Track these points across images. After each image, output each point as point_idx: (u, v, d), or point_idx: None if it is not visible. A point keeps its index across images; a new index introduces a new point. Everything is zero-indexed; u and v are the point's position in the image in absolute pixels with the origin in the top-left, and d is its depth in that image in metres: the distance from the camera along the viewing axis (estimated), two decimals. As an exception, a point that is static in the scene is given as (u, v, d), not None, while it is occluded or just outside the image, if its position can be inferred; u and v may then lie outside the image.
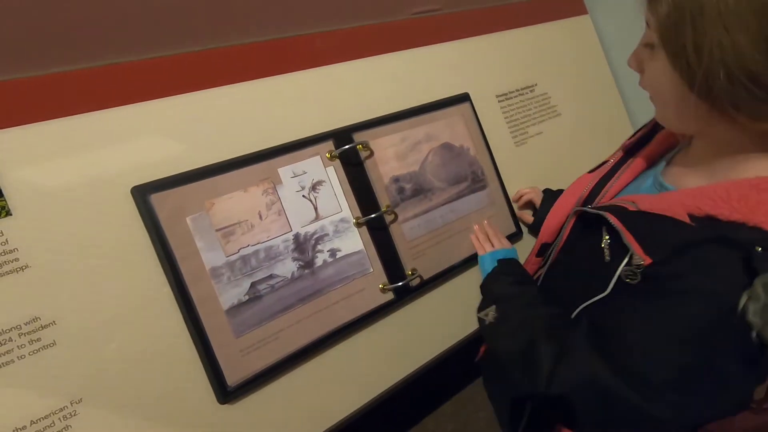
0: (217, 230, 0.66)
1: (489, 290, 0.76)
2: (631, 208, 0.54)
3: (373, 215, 0.77)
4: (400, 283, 0.78)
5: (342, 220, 0.76)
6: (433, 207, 0.85)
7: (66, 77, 0.62)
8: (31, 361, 0.55)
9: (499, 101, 1.00)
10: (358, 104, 0.83)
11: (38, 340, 0.56)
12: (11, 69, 0.59)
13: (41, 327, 0.56)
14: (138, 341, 0.61)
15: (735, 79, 0.45)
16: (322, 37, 0.82)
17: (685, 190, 0.53)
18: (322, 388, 0.73)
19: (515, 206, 0.96)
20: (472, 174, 0.90)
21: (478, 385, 1.44)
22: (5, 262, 0.55)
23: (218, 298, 0.65)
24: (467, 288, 0.88)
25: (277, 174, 0.72)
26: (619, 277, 0.52)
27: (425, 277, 0.82)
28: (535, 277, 0.78)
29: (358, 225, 0.77)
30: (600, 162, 0.76)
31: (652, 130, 0.71)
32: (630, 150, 0.72)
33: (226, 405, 0.65)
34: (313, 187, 0.74)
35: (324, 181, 0.75)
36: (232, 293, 0.66)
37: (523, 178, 0.98)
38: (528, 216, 0.94)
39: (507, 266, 0.78)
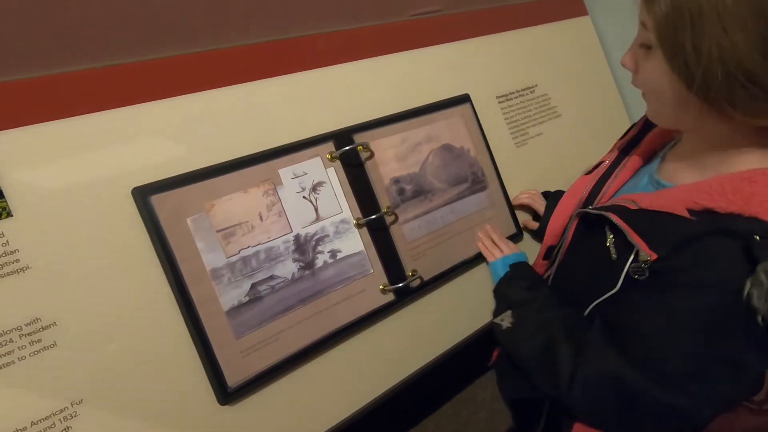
0: (217, 231, 0.66)
1: (503, 295, 0.77)
2: (632, 206, 0.55)
3: (373, 216, 0.78)
4: (401, 284, 0.78)
5: (342, 221, 0.76)
6: (433, 208, 0.85)
7: (66, 78, 0.62)
8: (31, 362, 0.55)
9: (499, 102, 1.00)
10: (358, 105, 0.83)
11: (39, 341, 0.56)
12: (12, 70, 0.59)
13: (42, 328, 0.56)
14: (138, 342, 0.61)
15: (733, 79, 0.46)
16: (322, 38, 0.82)
17: (682, 186, 0.55)
18: (322, 389, 0.73)
19: (521, 216, 0.96)
20: (472, 175, 0.90)
21: (478, 386, 1.44)
22: (6, 263, 0.55)
23: (218, 299, 0.65)
24: (468, 289, 0.88)
25: (278, 175, 0.72)
26: (627, 273, 0.54)
27: (426, 278, 0.82)
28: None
29: (359, 226, 0.77)
30: (595, 163, 0.77)
31: (643, 128, 0.72)
32: (624, 149, 0.73)
33: (226, 406, 0.65)
34: (314, 188, 0.74)
35: (324, 182, 0.75)
36: (233, 294, 0.66)
37: (524, 179, 0.98)
38: (532, 223, 0.93)
39: (519, 270, 0.79)
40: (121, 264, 0.61)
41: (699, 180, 0.54)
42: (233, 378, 0.65)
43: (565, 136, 1.08)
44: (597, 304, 0.60)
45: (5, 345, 0.54)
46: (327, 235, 0.74)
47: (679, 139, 0.66)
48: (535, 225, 0.92)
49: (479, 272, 0.90)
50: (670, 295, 0.51)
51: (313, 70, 0.80)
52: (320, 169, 0.75)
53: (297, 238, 0.72)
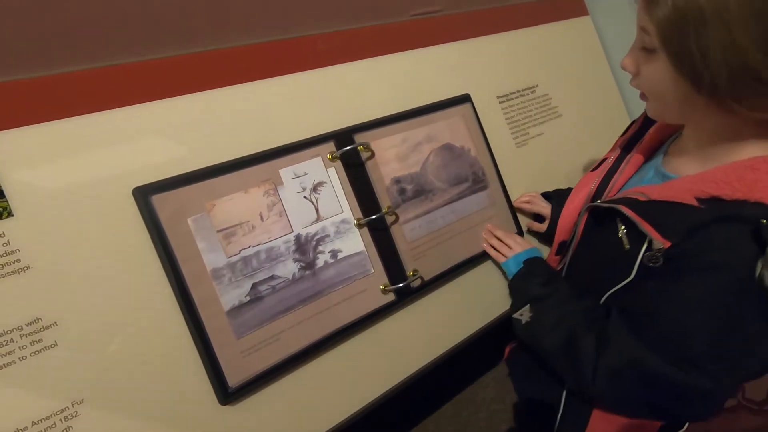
0: (218, 231, 0.66)
1: (520, 291, 0.78)
2: (642, 198, 0.58)
3: (374, 216, 0.77)
4: (401, 284, 0.78)
5: (343, 221, 0.76)
6: (434, 208, 0.85)
7: (67, 78, 0.62)
8: (32, 362, 0.55)
9: (500, 102, 1.00)
10: (359, 105, 0.83)
11: (39, 341, 0.56)
12: (12, 70, 0.59)
13: (42, 328, 0.56)
14: (139, 342, 0.61)
15: (739, 77, 0.48)
16: (323, 39, 0.82)
17: (688, 176, 0.57)
18: (323, 390, 0.73)
19: (522, 220, 0.96)
20: (473, 175, 0.90)
21: (478, 386, 1.44)
22: (7, 263, 0.55)
23: (219, 299, 0.65)
24: (469, 289, 0.88)
25: (278, 175, 0.72)
26: (642, 262, 0.57)
27: (426, 278, 0.82)
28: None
29: (359, 226, 0.77)
30: (600, 160, 0.80)
31: (644, 124, 0.75)
32: (627, 145, 0.76)
33: (227, 406, 0.65)
34: (314, 188, 0.74)
35: (325, 182, 0.75)
36: (233, 294, 0.66)
37: (524, 179, 0.98)
38: (537, 225, 0.93)
39: (533, 266, 0.80)
40: (122, 264, 0.61)
41: (702, 170, 0.56)
42: (234, 378, 0.65)
43: (566, 136, 1.08)
44: (612, 294, 0.63)
45: (6, 345, 0.54)
46: (328, 235, 0.74)
47: (680, 132, 0.68)
48: (540, 227, 0.92)
49: (480, 272, 0.90)
50: (685, 280, 0.54)
51: (313, 70, 0.80)
52: (321, 169, 0.75)
53: (298, 238, 0.72)
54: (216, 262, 0.65)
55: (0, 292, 0.55)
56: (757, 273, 0.48)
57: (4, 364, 0.54)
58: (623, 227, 0.60)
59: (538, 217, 0.95)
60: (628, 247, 0.59)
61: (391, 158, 0.82)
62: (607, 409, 0.68)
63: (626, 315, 0.60)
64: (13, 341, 0.55)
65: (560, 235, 0.82)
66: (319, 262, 0.73)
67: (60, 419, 0.56)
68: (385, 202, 0.80)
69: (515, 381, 0.89)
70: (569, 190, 0.94)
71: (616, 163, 0.75)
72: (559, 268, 0.81)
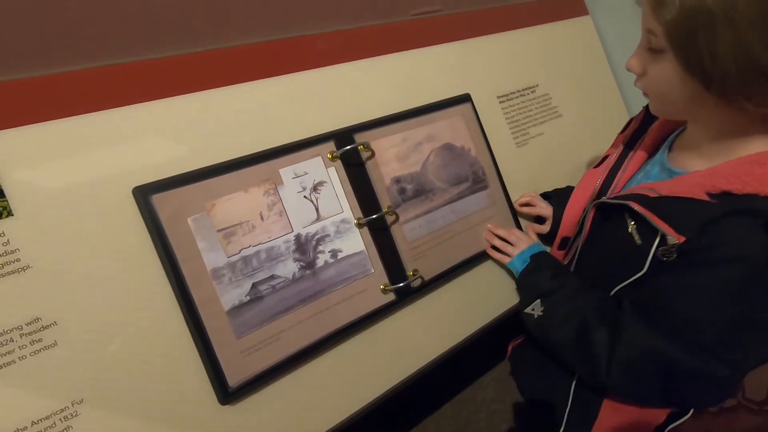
0: (218, 231, 0.66)
1: (529, 286, 0.78)
2: (652, 194, 0.59)
3: (374, 216, 0.77)
4: (402, 284, 0.78)
5: (343, 221, 0.76)
6: (434, 208, 0.85)
7: (67, 78, 0.62)
8: (32, 361, 0.55)
9: (500, 102, 1.00)
10: (359, 105, 0.83)
11: (39, 340, 0.56)
12: (12, 69, 0.59)
13: (42, 327, 0.56)
14: (139, 342, 0.61)
15: (749, 75, 0.49)
16: (323, 38, 0.82)
17: (698, 172, 0.58)
18: (323, 389, 0.73)
19: (523, 221, 0.96)
20: (473, 174, 0.90)
21: (478, 386, 1.44)
22: (7, 262, 0.55)
23: (219, 298, 0.65)
24: (469, 289, 0.88)
25: (278, 175, 0.72)
26: (655, 256, 0.58)
27: (426, 278, 0.82)
28: None
29: (360, 226, 0.77)
30: (602, 157, 0.80)
31: (644, 120, 0.76)
32: (629, 142, 0.77)
33: (227, 406, 0.65)
34: (315, 188, 0.74)
35: (325, 182, 0.75)
36: (234, 294, 0.66)
37: (524, 179, 0.98)
38: (538, 227, 0.93)
39: (540, 260, 0.81)
40: (122, 263, 0.61)
41: (709, 166, 0.58)
42: (234, 378, 0.65)
43: (566, 136, 1.08)
44: (623, 287, 0.64)
45: (6, 344, 0.54)
46: (328, 235, 0.74)
47: (683, 128, 0.69)
48: (541, 228, 0.92)
49: (480, 272, 0.90)
50: (700, 273, 0.55)
51: (313, 69, 0.80)
52: (321, 169, 0.75)
53: (298, 237, 0.72)
54: (216, 262, 0.65)
55: (0, 291, 0.55)
56: None
57: (3, 364, 0.54)
58: (633, 222, 0.61)
59: (537, 218, 0.95)
60: (639, 242, 0.60)
61: (392, 158, 0.82)
62: (622, 398, 0.69)
63: (640, 307, 0.61)
64: (13, 341, 0.54)
65: (563, 231, 0.83)
66: (319, 262, 0.73)
67: (60, 419, 0.56)
68: (385, 202, 0.80)
69: (519, 378, 0.89)
70: (568, 188, 0.95)
71: (620, 160, 0.76)
72: (566, 263, 0.82)
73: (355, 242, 0.76)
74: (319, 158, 0.75)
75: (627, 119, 0.83)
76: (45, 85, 0.61)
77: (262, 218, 0.69)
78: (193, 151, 0.68)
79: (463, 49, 0.98)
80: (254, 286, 0.67)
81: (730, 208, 0.53)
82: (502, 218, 0.92)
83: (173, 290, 0.63)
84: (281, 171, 0.72)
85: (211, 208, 0.66)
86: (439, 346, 0.84)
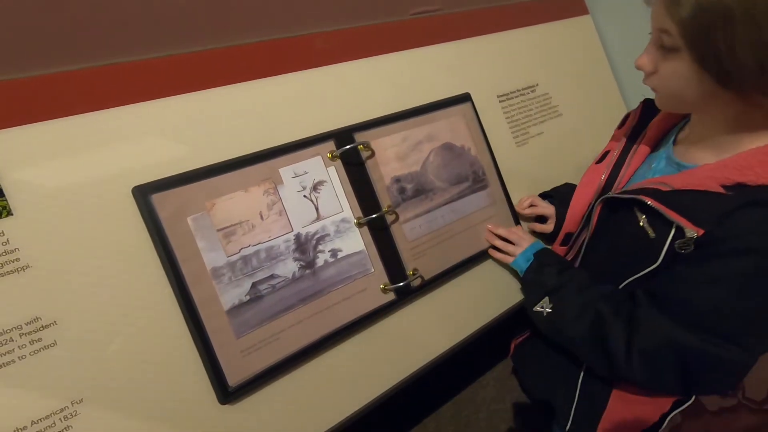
0: (218, 230, 0.66)
1: (536, 283, 0.78)
2: (665, 188, 0.60)
3: (374, 215, 0.77)
4: (401, 284, 0.78)
5: (343, 221, 0.76)
6: (434, 207, 0.85)
7: (67, 77, 0.62)
8: (31, 361, 0.55)
9: (500, 101, 1.00)
10: (359, 104, 0.82)
11: (39, 340, 0.56)
12: (12, 68, 0.59)
13: (42, 327, 0.56)
14: (139, 341, 0.61)
15: (767, 72, 0.49)
16: (322, 37, 0.82)
17: (709, 165, 0.59)
18: (322, 389, 0.72)
19: (524, 222, 0.96)
20: (473, 174, 0.90)
21: (478, 386, 1.45)
22: (6, 262, 0.55)
23: (219, 298, 0.65)
24: (469, 288, 0.88)
25: (278, 174, 0.72)
26: (670, 248, 0.59)
27: (426, 277, 0.82)
28: None
29: (359, 225, 0.77)
30: (602, 152, 0.81)
31: (643, 115, 0.76)
32: (631, 136, 0.77)
33: (226, 405, 0.65)
34: (315, 188, 0.74)
35: (325, 182, 0.75)
36: (233, 293, 0.66)
37: (524, 178, 0.98)
38: (542, 227, 0.93)
39: (544, 256, 0.81)
40: (122, 263, 0.61)
41: (718, 158, 0.59)
42: (234, 377, 0.65)
43: (566, 135, 1.08)
44: (633, 280, 0.65)
45: (5, 344, 0.54)
46: (327, 234, 0.74)
47: (686, 121, 0.69)
48: (544, 228, 0.92)
49: (480, 271, 0.90)
50: (718, 263, 0.56)
51: (313, 69, 0.80)
52: (321, 168, 0.75)
53: (297, 237, 0.71)
54: (216, 261, 0.65)
55: (-1, 291, 0.55)
56: None
57: (3, 364, 0.54)
58: (644, 216, 0.62)
59: (538, 218, 0.95)
60: (653, 235, 0.61)
61: (391, 157, 0.82)
62: (631, 388, 0.70)
63: (655, 298, 0.62)
64: (13, 340, 0.54)
65: (567, 227, 0.83)
66: (319, 262, 0.73)
67: (60, 418, 0.56)
68: (385, 202, 0.80)
69: (522, 375, 0.90)
70: (567, 186, 0.95)
71: (623, 155, 0.76)
72: (569, 259, 0.82)
73: (355, 242, 0.76)
74: (319, 158, 0.75)
75: (627, 118, 0.83)
76: (45, 84, 0.60)
77: (261, 218, 0.69)
78: (193, 150, 0.68)
79: (463, 48, 0.98)
80: (254, 285, 0.67)
81: (745, 200, 0.54)
82: (502, 218, 0.92)
83: (173, 290, 0.63)
84: (281, 170, 0.72)
85: (210, 207, 0.66)
86: (439, 345, 0.84)
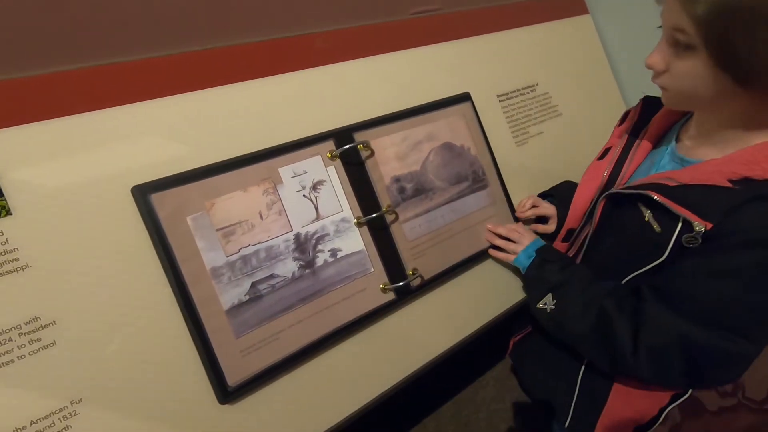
0: (217, 230, 0.66)
1: (539, 280, 0.78)
2: (671, 183, 0.60)
3: (373, 215, 0.77)
4: (401, 283, 0.78)
5: (343, 220, 0.76)
6: (433, 207, 0.85)
7: (66, 77, 0.62)
8: (31, 361, 0.55)
9: (500, 101, 1.00)
10: (358, 104, 0.82)
11: (38, 339, 0.56)
12: (11, 68, 0.59)
13: (41, 327, 0.56)
14: (138, 341, 0.61)
15: None
16: (322, 37, 0.82)
17: (716, 159, 0.59)
18: (322, 389, 0.72)
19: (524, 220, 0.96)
20: (473, 174, 0.90)
21: (478, 385, 1.45)
22: (5, 261, 0.55)
23: (219, 298, 0.65)
24: (469, 288, 0.88)
25: (278, 174, 0.72)
26: (676, 243, 0.59)
27: (426, 277, 0.82)
28: None
29: (359, 225, 0.77)
30: (603, 149, 0.81)
31: (644, 112, 0.77)
32: (632, 133, 0.77)
33: (226, 405, 0.65)
34: (314, 187, 0.74)
35: (325, 181, 0.75)
36: (233, 293, 0.66)
37: (524, 178, 0.98)
38: (543, 227, 0.93)
39: (546, 253, 0.81)
40: (121, 263, 0.61)
41: (723, 154, 0.59)
42: (233, 377, 0.64)
43: (566, 134, 1.08)
44: (638, 274, 0.65)
45: (4, 344, 0.54)
46: (327, 234, 0.74)
47: (688, 117, 0.70)
48: (546, 228, 0.92)
49: (480, 271, 0.90)
50: (725, 256, 0.56)
51: (313, 68, 0.80)
52: (320, 168, 0.75)
53: (297, 236, 0.71)
54: (215, 261, 0.65)
55: (-2, 291, 0.55)
56: None
57: (2, 363, 0.54)
58: (649, 211, 0.62)
59: (539, 218, 0.95)
60: (659, 230, 0.61)
61: (391, 157, 0.82)
62: (632, 383, 0.71)
63: (661, 293, 0.62)
64: (12, 340, 0.54)
65: (570, 223, 0.83)
66: (319, 261, 0.73)
67: (59, 418, 0.55)
68: (384, 201, 0.80)
69: (521, 373, 0.90)
70: (565, 184, 0.95)
71: (624, 151, 0.77)
72: (570, 255, 0.82)
73: (354, 241, 0.76)
74: (319, 157, 0.75)
75: (626, 117, 0.83)
76: (44, 84, 0.60)
77: (261, 217, 0.69)
78: (193, 150, 0.68)
79: (463, 47, 0.98)
80: (253, 285, 0.67)
81: (752, 194, 0.54)
82: (502, 217, 0.92)
83: (172, 289, 0.63)
84: (280, 170, 0.72)
85: (210, 207, 0.66)
86: (439, 345, 0.84)
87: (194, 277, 0.64)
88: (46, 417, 0.55)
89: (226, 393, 0.64)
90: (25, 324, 0.55)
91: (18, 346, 0.55)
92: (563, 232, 0.86)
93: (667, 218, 0.60)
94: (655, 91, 0.80)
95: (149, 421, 0.60)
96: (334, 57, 0.83)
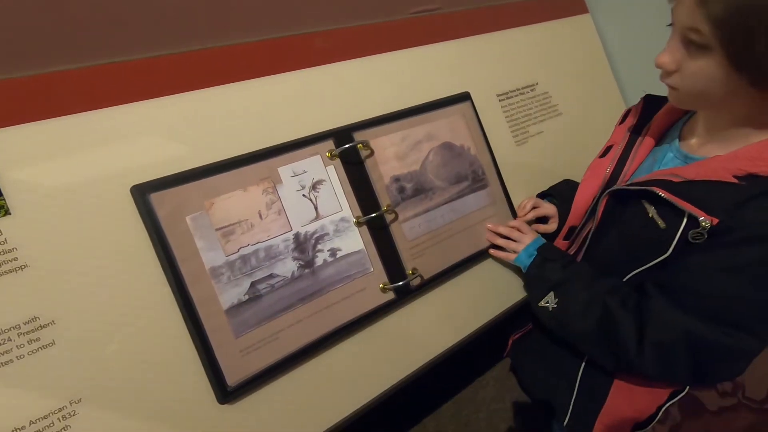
0: (216, 230, 0.66)
1: (540, 279, 0.78)
2: (676, 179, 0.60)
3: (373, 215, 0.77)
4: (401, 283, 0.78)
5: (342, 220, 0.76)
6: (433, 206, 0.85)
7: (65, 76, 0.62)
8: (30, 360, 0.55)
9: (499, 100, 1.00)
10: (358, 103, 0.82)
11: (37, 339, 0.56)
12: (10, 68, 0.59)
13: (40, 327, 0.56)
14: (137, 341, 0.61)
15: None
16: (322, 36, 0.82)
17: (719, 156, 0.59)
18: (322, 388, 0.72)
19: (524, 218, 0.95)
20: (472, 173, 0.90)
21: (478, 385, 1.45)
22: (4, 261, 0.55)
23: (218, 297, 0.65)
24: (468, 287, 0.88)
25: (277, 173, 0.72)
26: (681, 239, 0.59)
27: (426, 276, 0.82)
28: None
29: (359, 224, 0.77)
30: (604, 147, 0.81)
31: (645, 111, 0.77)
32: (635, 131, 0.77)
33: (225, 405, 0.65)
34: (314, 187, 0.74)
35: (324, 181, 0.75)
36: (232, 293, 0.66)
37: (524, 178, 0.98)
38: (544, 227, 0.93)
39: (547, 252, 0.81)
40: (120, 262, 0.61)
41: (728, 151, 0.59)
42: (233, 377, 0.64)
43: (566, 134, 1.08)
44: (641, 271, 0.65)
45: (3, 344, 0.54)
46: (327, 234, 0.74)
47: (691, 115, 0.70)
48: (547, 228, 0.91)
49: (480, 271, 0.90)
50: (730, 252, 0.56)
51: (312, 68, 0.80)
52: (320, 168, 0.75)
53: (297, 236, 0.71)
54: (215, 261, 0.65)
55: (-3, 290, 0.55)
56: None
57: (1, 363, 0.54)
58: (653, 207, 0.62)
59: (539, 218, 0.95)
60: (664, 226, 0.61)
61: (391, 156, 0.82)
62: (632, 380, 0.71)
63: (665, 289, 0.62)
64: (11, 340, 0.54)
65: (572, 220, 0.83)
66: (318, 261, 0.73)
67: (58, 418, 0.55)
68: (384, 201, 0.80)
69: (520, 372, 0.90)
70: (565, 183, 0.95)
71: (627, 149, 0.77)
72: (571, 252, 0.82)
73: (354, 241, 0.76)
74: (318, 157, 0.75)
75: (626, 116, 0.83)
76: (42, 83, 0.60)
77: (260, 217, 0.69)
78: (192, 149, 0.68)
79: (463, 47, 0.97)
80: (253, 285, 0.67)
81: (758, 190, 0.54)
82: (501, 217, 0.92)
83: (172, 289, 0.63)
84: (280, 170, 0.72)
85: (209, 206, 0.66)
86: (438, 345, 0.84)
87: (193, 277, 0.63)
88: (46, 417, 0.55)
89: (226, 393, 0.64)
90: (24, 324, 0.55)
91: (17, 346, 0.54)
92: (565, 229, 0.85)
93: (672, 214, 0.60)
94: (656, 91, 0.81)
95: (149, 421, 0.60)
96: (334, 56, 0.82)
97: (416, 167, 0.84)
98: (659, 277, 0.63)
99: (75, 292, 0.58)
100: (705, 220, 0.56)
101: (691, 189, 0.59)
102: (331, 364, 0.73)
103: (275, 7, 0.79)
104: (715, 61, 0.53)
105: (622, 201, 0.69)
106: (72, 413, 0.56)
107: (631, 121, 0.78)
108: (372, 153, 0.80)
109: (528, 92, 1.04)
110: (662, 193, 0.60)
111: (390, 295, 0.78)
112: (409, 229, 0.82)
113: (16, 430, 0.53)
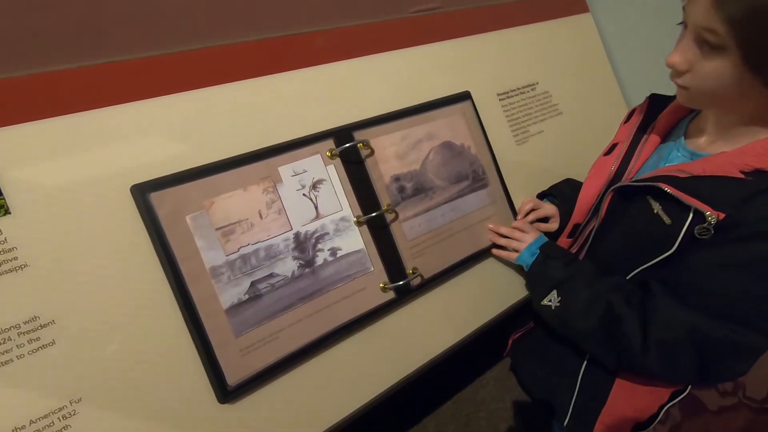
0: (217, 229, 0.66)
1: (543, 277, 0.77)
2: (683, 175, 0.60)
3: (373, 214, 0.77)
4: (401, 283, 0.78)
5: (342, 219, 0.76)
6: (433, 206, 0.85)
7: (65, 75, 0.62)
8: (30, 360, 0.55)
9: (500, 100, 1.00)
10: (358, 103, 0.82)
11: (37, 339, 0.55)
12: (10, 67, 0.59)
13: (40, 326, 0.56)
14: (138, 340, 0.61)
15: None
16: (322, 36, 0.82)
17: (727, 152, 0.59)
18: (322, 388, 0.72)
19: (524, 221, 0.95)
20: (473, 173, 0.90)
21: (478, 385, 1.45)
22: (4, 261, 0.55)
23: (218, 297, 0.65)
24: (468, 287, 0.88)
25: (278, 173, 0.72)
26: (686, 234, 0.59)
27: (426, 276, 0.82)
28: None
29: (359, 224, 0.77)
30: (609, 145, 0.81)
31: (650, 109, 0.77)
32: (640, 129, 0.77)
33: (226, 405, 0.65)
34: (314, 186, 0.74)
35: (324, 180, 0.75)
36: (232, 292, 0.66)
37: (524, 177, 0.98)
38: (546, 226, 0.92)
39: (549, 250, 0.80)
40: (120, 262, 0.61)
41: (734, 148, 0.59)
42: (233, 376, 0.64)
43: (566, 133, 1.08)
44: (645, 268, 0.65)
45: (3, 343, 0.54)
46: (327, 233, 0.74)
47: (697, 113, 0.70)
48: (549, 227, 0.91)
49: (480, 270, 0.89)
50: (737, 247, 0.56)
51: (313, 67, 0.80)
52: (320, 167, 0.75)
53: (297, 235, 0.71)
54: (215, 260, 0.65)
55: (-3, 290, 0.54)
56: None
57: (1, 363, 0.54)
58: (658, 204, 0.62)
59: (539, 219, 0.95)
60: (669, 222, 0.61)
61: (391, 156, 0.82)
62: (633, 380, 0.70)
63: (669, 286, 0.62)
64: (11, 339, 0.54)
65: (576, 218, 0.83)
66: (319, 260, 0.73)
67: (58, 417, 0.55)
68: (384, 200, 0.80)
69: (520, 371, 0.90)
70: (566, 182, 0.95)
71: (632, 146, 0.77)
72: (574, 250, 0.82)
73: (354, 240, 0.76)
74: (318, 156, 0.75)
75: (627, 116, 0.83)
76: (42, 82, 0.60)
77: (261, 216, 0.69)
78: (192, 148, 0.68)
79: (463, 46, 0.97)
80: (253, 284, 0.67)
81: (765, 185, 0.54)
82: (502, 216, 0.92)
83: (172, 289, 0.63)
84: (280, 169, 0.72)
85: (209, 206, 0.66)
86: (439, 344, 0.84)
87: (194, 277, 0.63)
88: (46, 416, 0.55)
89: (226, 392, 0.64)
90: (24, 323, 0.55)
91: (17, 346, 0.54)
92: (569, 227, 0.85)
93: (678, 210, 0.60)
94: (656, 90, 0.80)
95: (149, 420, 0.60)
96: (334, 56, 0.82)
97: (416, 167, 0.84)
98: (663, 275, 0.63)
99: (75, 291, 0.58)
100: (711, 215, 0.56)
101: (697, 184, 0.58)
102: (331, 363, 0.73)
103: (275, 6, 0.79)
104: (730, 61, 0.53)
105: (627, 198, 0.68)
106: (72, 413, 0.56)
107: (636, 119, 0.78)
108: (372, 152, 0.80)
109: (528, 91, 1.04)
110: (668, 189, 0.60)
111: (390, 295, 0.78)
112: (409, 229, 0.82)
113: (16, 429, 0.53)
